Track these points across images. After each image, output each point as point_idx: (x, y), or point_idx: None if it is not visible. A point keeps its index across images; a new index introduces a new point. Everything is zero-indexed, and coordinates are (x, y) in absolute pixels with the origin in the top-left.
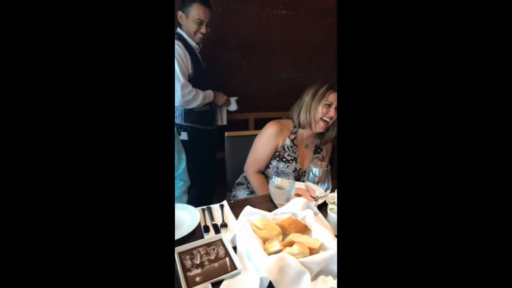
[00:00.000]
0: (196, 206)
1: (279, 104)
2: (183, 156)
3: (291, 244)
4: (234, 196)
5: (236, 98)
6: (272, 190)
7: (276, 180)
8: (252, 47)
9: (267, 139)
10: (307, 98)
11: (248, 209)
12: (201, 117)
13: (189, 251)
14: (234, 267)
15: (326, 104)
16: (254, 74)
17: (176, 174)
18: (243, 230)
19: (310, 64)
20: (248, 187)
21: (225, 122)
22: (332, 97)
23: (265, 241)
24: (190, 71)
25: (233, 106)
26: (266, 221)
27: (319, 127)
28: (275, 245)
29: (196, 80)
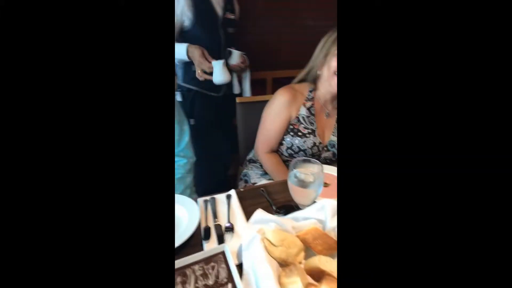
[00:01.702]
0: (202, 190)
1: (303, 60)
2: (186, 128)
3: (316, 273)
4: (245, 175)
5: (242, 52)
6: (293, 187)
7: (297, 175)
8: None
9: (277, 111)
10: (326, 45)
11: (259, 214)
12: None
13: (181, 270)
14: None
15: None
16: (272, 20)
17: (177, 150)
18: (252, 246)
19: None
20: (261, 166)
21: (247, 93)
22: None
23: (281, 263)
24: (186, 20)
25: (234, 59)
26: (283, 233)
27: (334, 83)
28: (295, 282)
29: (195, 33)
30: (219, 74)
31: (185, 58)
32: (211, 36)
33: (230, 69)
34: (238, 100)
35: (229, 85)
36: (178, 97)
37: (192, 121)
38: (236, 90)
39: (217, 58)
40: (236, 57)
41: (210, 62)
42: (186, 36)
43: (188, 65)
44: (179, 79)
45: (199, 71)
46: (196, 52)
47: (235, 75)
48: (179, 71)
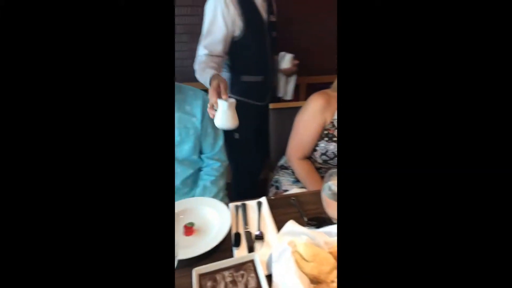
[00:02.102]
0: (234, 194)
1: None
2: (220, 132)
3: None
4: (276, 182)
5: (292, 55)
6: (326, 200)
7: (332, 188)
8: None
9: (311, 116)
10: None
11: (290, 225)
12: (249, 89)
13: (212, 275)
14: None
15: None
16: (306, 24)
17: (211, 153)
18: (283, 258)
19: None
20: (293, 172)
21: (289, 97)
22: None
23: (312, 280)
24: (237, 30)
25: (286, 62)
26: (316, 248)
27: None
28: None
29: (245, 41)
30: (220, 116)
31: (208, 86)
32: (259, 42)
33: (282, 72)
34: (271, 106)
35: (273, 90)
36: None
37: (236, 135)
38: (281, 93)
39: (265, 64)
40: (288, 60)
41: (219, 98)
42: (235, 47)
43: (234, 75)
44: None
45: (209, 105)
46: (213, 83)
47: (283, 78)
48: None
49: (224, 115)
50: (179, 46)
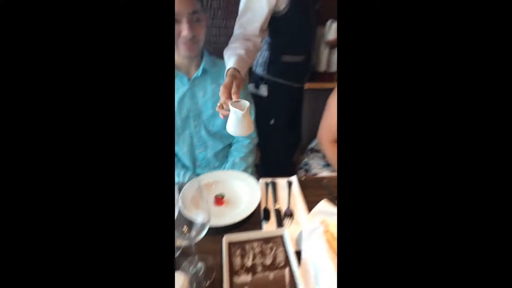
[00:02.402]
0: (263, 170)
1: None
2: (252, 108)
3: None
4: (306, 165)
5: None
6: None
7: None
8: None
9: None
10: None
11: (323, 204)
12: (289, 69)
13: (241, 245)
14: None
15: None
16: None
17: None
18: (314, 238)
19: None
20: (324, 156)
21: (334, 68)
22: None
23: None
24: (281, 4)
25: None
26: None
27: None
28: None
29: (291, 16)
30: (234, 123)
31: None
32: (304, 17)
33: (328, 44)
34: (306, 86)
35: (312, 71)
36: (264, 91)
37: (272, 121)
38: (323, 67)
39: (308, 42)
40: (335, 29)
41: (229, 100)
42: (276, 24)
43: (274, 54)
44: (263, 70)
45: (218, 104)
46: (227, 79)
47: (325, 52)
48: (260, 62)
49: (237, 122)
50: (215, 22)
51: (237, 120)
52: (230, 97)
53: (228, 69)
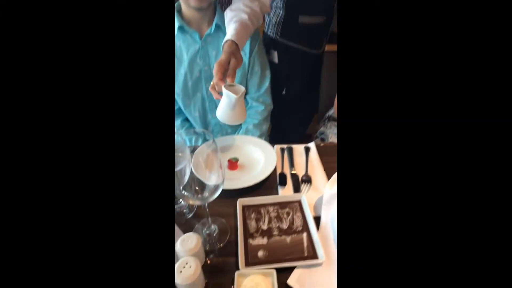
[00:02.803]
0: (275, 140)
1: None
2: (267, 73)
3: None
4: (322, 134)
5: None
6: None
7: None
8: None
9: None
10: None
11: None
12: (306, 33)
13: (256, 208)
14: (313, 254)
15: None
16: None
17: (257, 94)
18: (334, 203)
19: None
20: None
21: None
22: None
23: None
24: None
25: None
26: None
27: None
28: None
29: None
30: (224, 108)
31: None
32: None
33: None
34: (327, 48)
35: (332, 34)
36: (274, 58)
37: (283, 92)
38: None
39: (327, 3)
40: None
41: (222, 82)
42: None
43: (289, 15)
44: (275, 33)
45: (211, 83)
46: (223, 56)
47: None
48: (273, 22)
49: (229, 107)
50: None
51: (229, 106)
52: (224, 78)
53: (225, 41)
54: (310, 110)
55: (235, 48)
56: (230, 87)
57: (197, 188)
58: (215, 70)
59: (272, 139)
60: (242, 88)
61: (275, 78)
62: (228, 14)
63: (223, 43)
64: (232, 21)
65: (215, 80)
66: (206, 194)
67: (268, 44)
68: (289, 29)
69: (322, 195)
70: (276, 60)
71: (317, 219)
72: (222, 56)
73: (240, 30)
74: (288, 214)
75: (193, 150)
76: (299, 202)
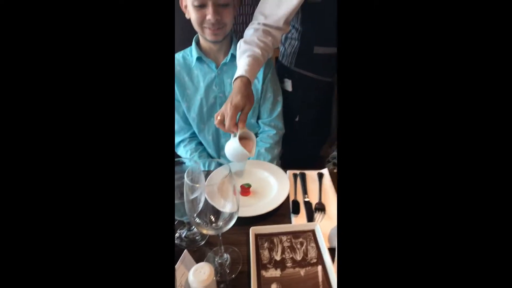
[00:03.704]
0: (287, 166)
1: None
2: (280, 99)
3: None
4: (335, 158)
5: None
6: None
7: None
8: None
9: None
10: None
11: None
12: (320, 62)
13: (269, 237)
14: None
15: None
16: None
17: (269, 119)
18: None
19: None
20: None
21: None
22: None
23: None
24: None
25: None
26: None
27: None
28: None
29: (325, 4)
30: (233, 149)
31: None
32: None
33: None
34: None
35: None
36: (288, 86)
37: (297, 119)
38: None
39: None
40: None
41: (235, 128)
42: (310, 12)
43: (305, 45)
44: (289, 63)
45: (220, 119)
46: (239, 99)
47: None
48: (288, 53)
49: (238, 157)
50: (243, 9)
51: (241, 157)
52: (236, 124)
53: (239, 76)
54: (323, 133)
55: (249, 87)
56: (241, 133)
57: (211, 217)
58: (230, 114)
59: (284, 163)
60: (254, 140)
61: (288, 105)
62: (242, 46)
63: (235, 76)
64: (245, 54)
65: (228, 123)
66: (220, 223)
67: (282, 73)
68: (304, 59)
69: (336, 225)
70: (290, 88)
71: (332, 251)
72: (239, 99)
73: (253, 65)
74: (301, 244)
75: (206, 176)
76: (313, 232)
